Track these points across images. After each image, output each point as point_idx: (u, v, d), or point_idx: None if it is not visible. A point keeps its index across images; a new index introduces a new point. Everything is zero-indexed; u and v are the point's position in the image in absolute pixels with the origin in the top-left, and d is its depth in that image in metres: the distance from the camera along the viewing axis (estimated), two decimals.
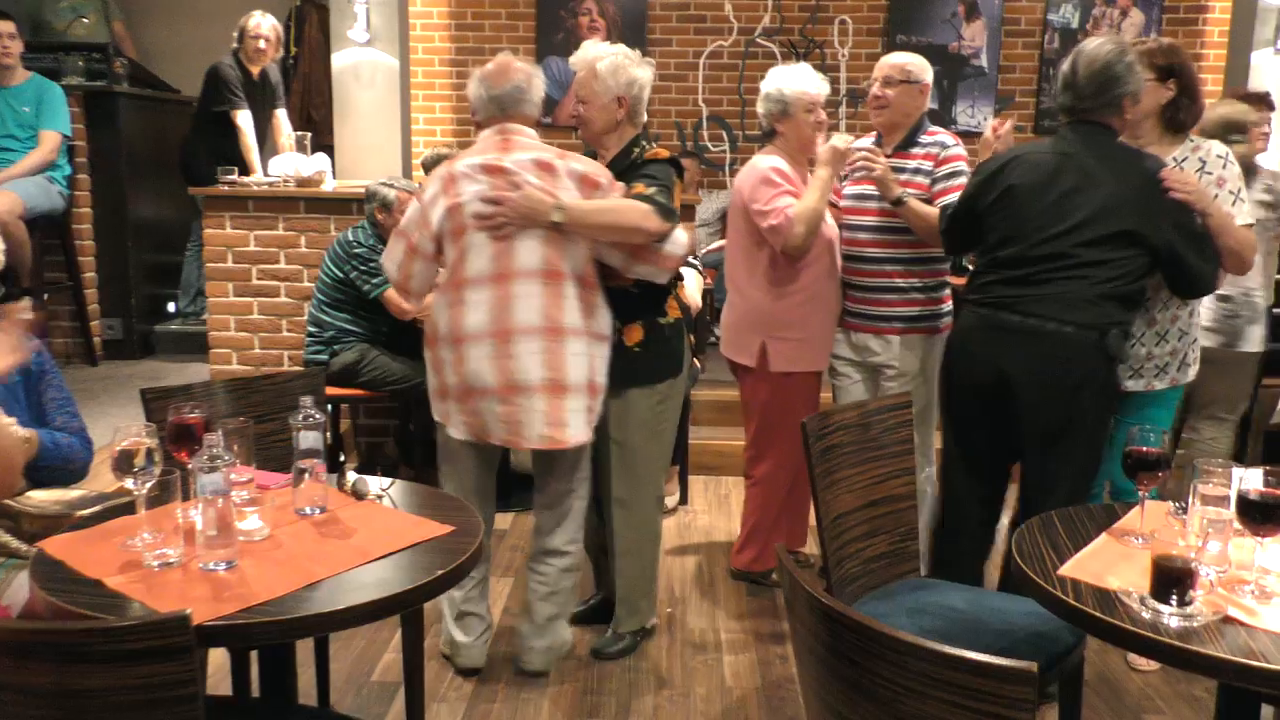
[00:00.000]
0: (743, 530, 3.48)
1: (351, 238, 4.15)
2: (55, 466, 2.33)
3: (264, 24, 5.19)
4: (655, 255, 2.67)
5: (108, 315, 5.33)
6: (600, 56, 2.79)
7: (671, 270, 2.77)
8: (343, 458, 4.70)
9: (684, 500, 4.32)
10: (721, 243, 4.88)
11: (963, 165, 3.14)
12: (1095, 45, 2.58)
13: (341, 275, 4.13)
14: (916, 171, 3.17)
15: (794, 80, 3.18)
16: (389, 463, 4.62)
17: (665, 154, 2.79)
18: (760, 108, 3.25)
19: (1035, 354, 2.52)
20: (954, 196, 2.98)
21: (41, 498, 2.21)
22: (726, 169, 6.99)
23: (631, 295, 2.76)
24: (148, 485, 1.71)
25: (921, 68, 3.20)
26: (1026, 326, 2.52)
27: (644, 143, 2.83)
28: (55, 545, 1.76)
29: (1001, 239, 2.61)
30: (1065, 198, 2.51)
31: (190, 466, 1.68)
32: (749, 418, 3.42)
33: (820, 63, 6.81)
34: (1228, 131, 3.35)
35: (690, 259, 4.17)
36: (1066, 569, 1.76)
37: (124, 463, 1.68)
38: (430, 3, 6.81)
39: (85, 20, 6.02)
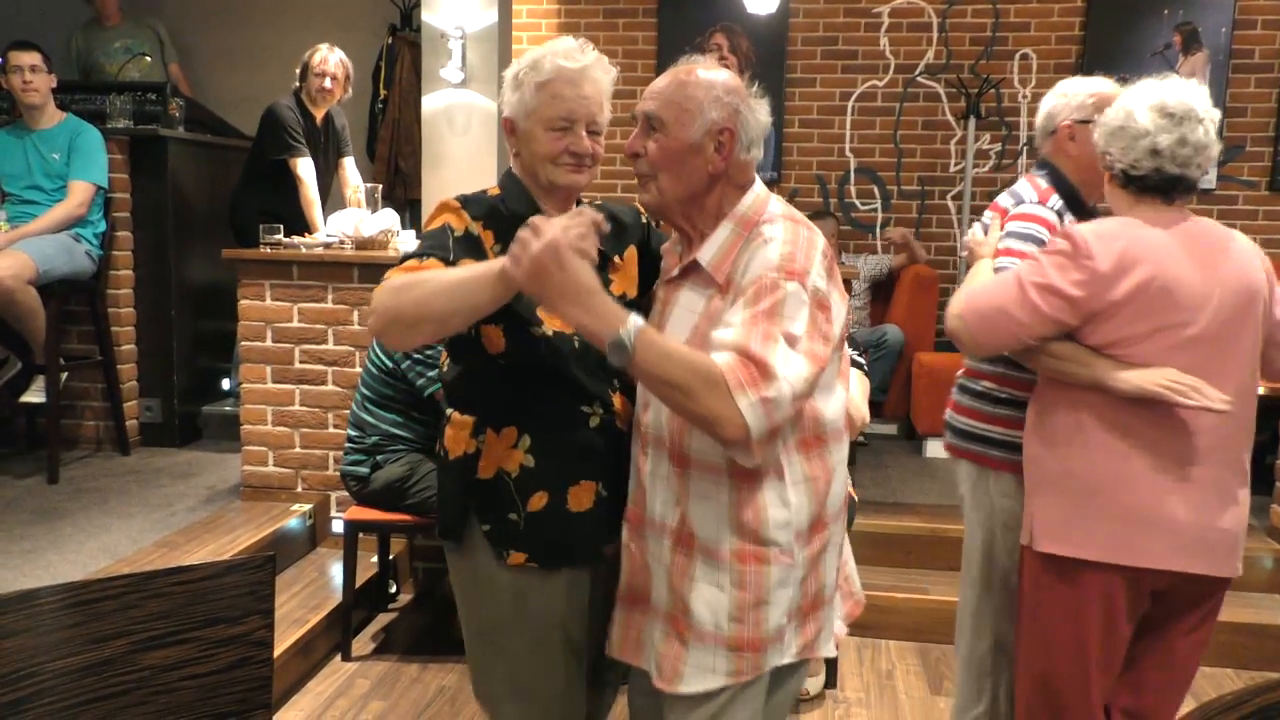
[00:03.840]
0: None
1: None
2: None
3: (331, 59, 4.39)
4: None
5: (146, 395, 4.55)
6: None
7: None
8: (394, 588, 3.74)
9: (831, 683, 3.18)
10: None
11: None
12: None
13: (390, 365, 3.21)
14: None
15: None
16: (446, 603, 3.63)
17: None
18: (1206, 153, 1.92)
19: None
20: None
21: None
22: (877, 230, 5.87)
23: None
24: None
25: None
26: None
27: None
28: None
29: None
30: None
31: None
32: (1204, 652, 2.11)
33: (996, 105, 5.67)
34: None
35: (856, 357, 3.06)
36: None
37: None
38: (537, 40, 5.97)
39: (142, 60, 5.37)
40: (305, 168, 4.32)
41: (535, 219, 1.48)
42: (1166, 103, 1.88)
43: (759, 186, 1.70)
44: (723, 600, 1.61)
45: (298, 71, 4.41)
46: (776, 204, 1.69)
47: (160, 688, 1.51)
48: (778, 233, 1.60)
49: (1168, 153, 1.86)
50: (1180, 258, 1.86)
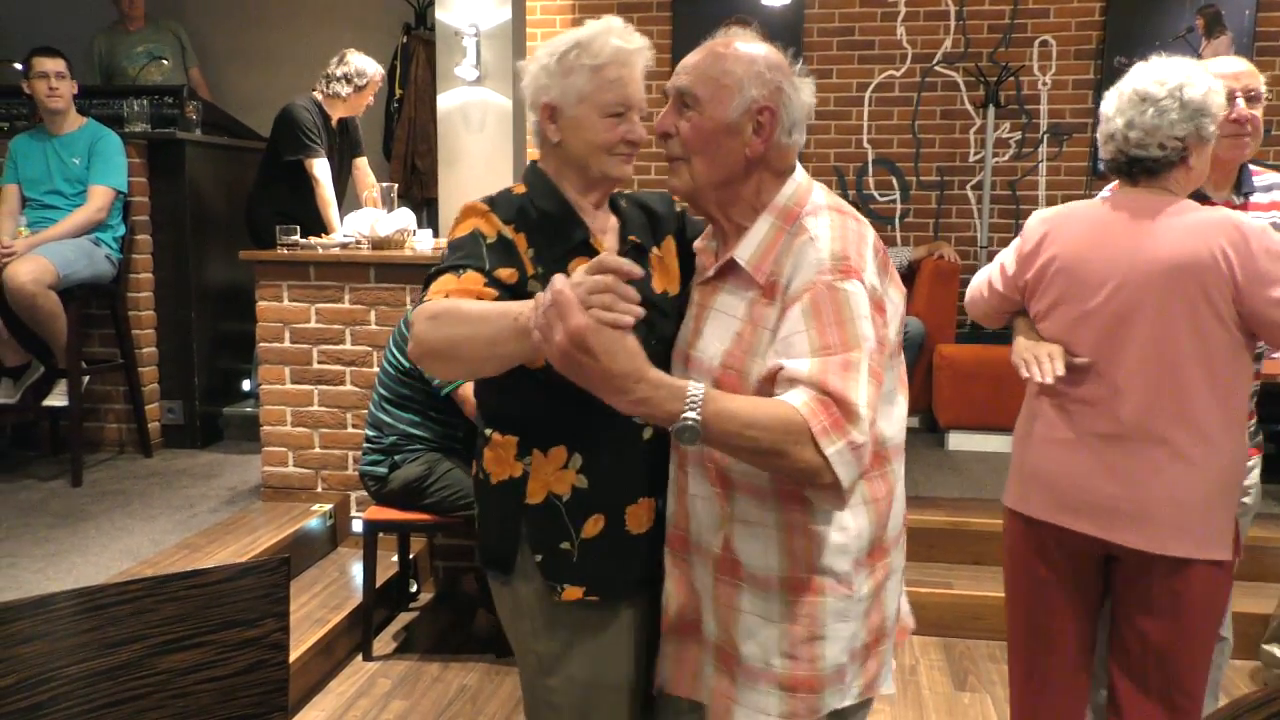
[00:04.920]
0: None
1: None
2: None
3: (379, 72, 4.47)
4: None
5: (167, 397, 4.58)
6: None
7: None
8: (415, 587, 3.75)
9: None
10: None
11: None
12: None
13: (408, 365, 3.21)
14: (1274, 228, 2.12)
15: (1205, 81, 1.93)
16: (467, 601, 3.63)
17: None
18: (1180, 127, 1.89)
19: None
20: None
21: None
22: (896, 222, 5.82)
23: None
24: None
25: None
26: None
27: None
28: None
29: None
30: None
31: None
32: (1201, 635, 2.01)
33: (1015, 93, 5.60)
34: None
35: None
36: None
37: None
38: (550, 35, 5.95)
39: (162, 63, 5.41)
40: (321, 168, 4.33)
41: (556, 279, 1.23)
42: (1129, 87, 1.93)
43: (801, 174, 1.54)
44: (772, 634, 1.47)
45: (341, 75, 4.36)
46: (820, 194, 1.52)
47: (176, 691, 1.51)
48: (823, 228, 1.43)
49: (1119, 137, 1.93)
50: (1096, 239, 1.95)
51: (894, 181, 5.81)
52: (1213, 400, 1.88)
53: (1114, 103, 1.94)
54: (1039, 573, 2.06)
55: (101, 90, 4.89)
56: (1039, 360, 1.94)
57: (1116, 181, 2.17)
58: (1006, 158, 5.68)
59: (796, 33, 5.72)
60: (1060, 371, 1.91)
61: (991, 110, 5.49)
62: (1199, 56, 5.35)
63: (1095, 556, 2.01)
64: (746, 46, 1.51)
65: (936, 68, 5.69)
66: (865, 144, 5.80)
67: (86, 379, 4.22)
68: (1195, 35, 5.37)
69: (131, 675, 1.49)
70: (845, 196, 5.66)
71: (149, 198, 4.48)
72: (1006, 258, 2.12)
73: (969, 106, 5.68)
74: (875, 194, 5.82)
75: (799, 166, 1.56)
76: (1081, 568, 2.03)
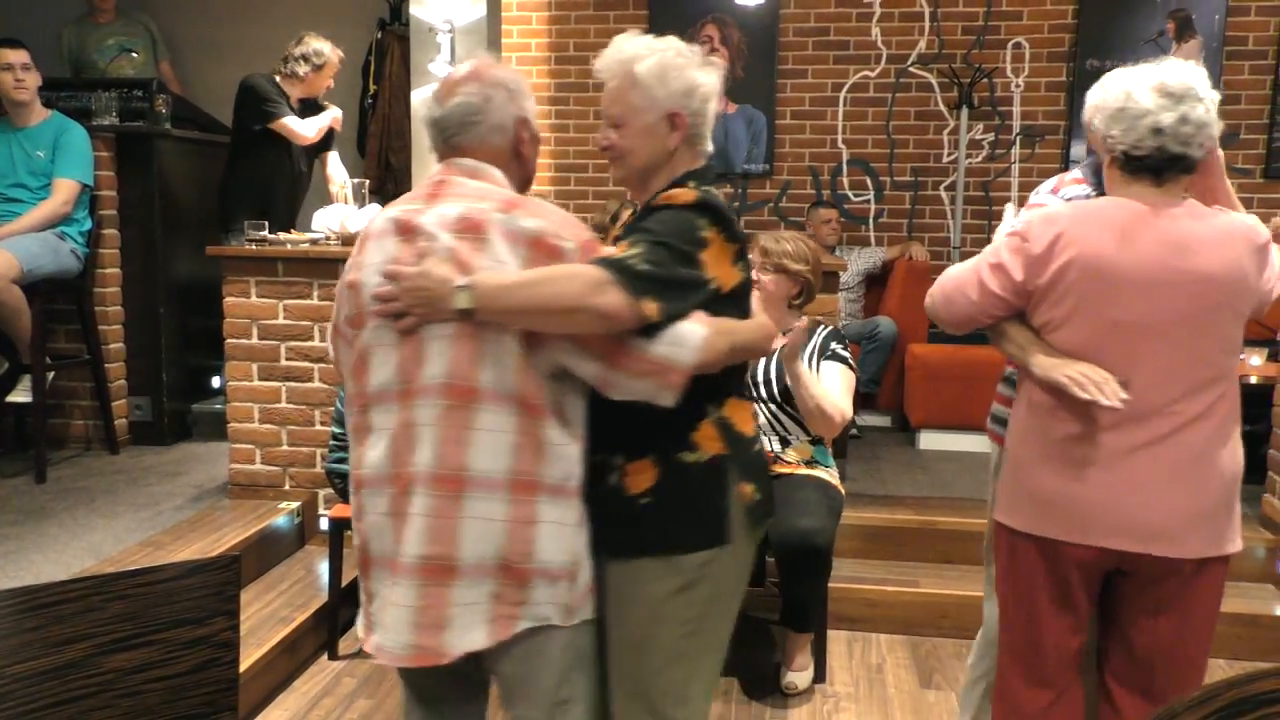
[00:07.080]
0: None
1: None
2: None
3: (338, 54, 4.49)
4: (641, 361, 1.61)
5: (135, 393, 4.54)
6: (639, 55, 1.78)
7: (677, 388, 1.63)
8: None
9: (820, 677, 3.16)
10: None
11: None
12: None
13: None
14: None
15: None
16: None
17: (690, 196, 1.72)
18: (1214, 127, 1.87)
19: None
20: None
21: None
22: (870, 222, 5.84)
23: (639, 416, 1.68)
24: None
25: None
26: None
27: (692, 182, 1.78)
28: None
29: None
30: None
31: None
32: (1208, 629, 2.02)
33: (989, 95, 5.63)
34: None
35: (841, 350, 3.06)
36: None
37: None
38: (527, 34, 5.95)
39: (132, 56, 5.36)
40: (289, 121, 4.29)
41: None
42: (1166, 83, 1.85)
43: None
44: None
45: (297, 54, 4.34)
46: None
47: (124, 691, 1.49)
48: None
49: (1170, 131, 1.83)
50: (1122, 242, 1.85)
51: (868, 182, 5.83)
52: (1230, 397, 1.91)
53: (1151, 98, 1.83)
54: (1043, 591, 2.00)
55: (69, 83, 4.82)
56: (1095, 383, 1.82)
57: (1078, 176, 2.17)
58: (980, 159, 5.71)
59: (772, 33, 5.73)
60: (1124, 395, 1.80)
61: (965, 112, 5.53)
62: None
63: (1104, 571, 1.97)
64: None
65: (911, 69, 5.71)
66: (840, 144, 5.82)
67: (51, 375, 4.17)
68: (1166, 39, 5.42)
69: (77, 675, 1.47)
70: (819, 196, 5.73)
71: (117, 191, 4.43)
72: (1006, 259, 1.95)
73: (943, 108, 5.71)
74: (850, 194, 5.84)
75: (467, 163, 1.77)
76: (1081, 583, 1.98)
